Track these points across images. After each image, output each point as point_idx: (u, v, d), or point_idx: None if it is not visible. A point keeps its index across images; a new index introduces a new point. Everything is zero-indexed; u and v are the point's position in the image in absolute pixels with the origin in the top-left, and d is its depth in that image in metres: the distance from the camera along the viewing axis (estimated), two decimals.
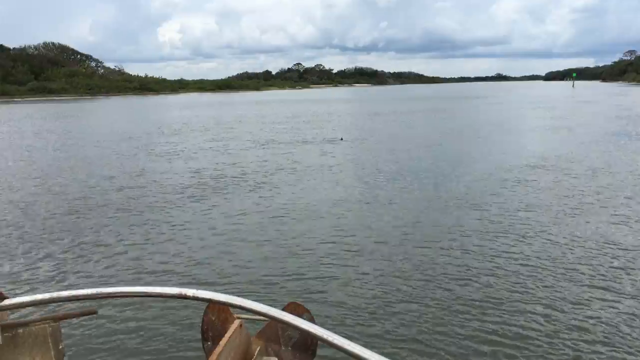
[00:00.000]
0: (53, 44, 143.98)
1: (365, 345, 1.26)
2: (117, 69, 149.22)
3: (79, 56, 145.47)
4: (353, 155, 19.63)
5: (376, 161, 17.87)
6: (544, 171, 15.25)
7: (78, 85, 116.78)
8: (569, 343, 5.39)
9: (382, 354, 1.23)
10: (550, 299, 6.41)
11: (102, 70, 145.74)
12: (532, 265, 7.60)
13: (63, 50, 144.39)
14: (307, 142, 23.81)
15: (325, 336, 1.35)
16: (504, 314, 6.09)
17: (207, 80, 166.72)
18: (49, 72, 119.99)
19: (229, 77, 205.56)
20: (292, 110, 53.10)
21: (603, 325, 5.75)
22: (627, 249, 8.19)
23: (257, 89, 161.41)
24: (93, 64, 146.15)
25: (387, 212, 10.96)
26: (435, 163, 17.20)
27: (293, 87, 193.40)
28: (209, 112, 53.22)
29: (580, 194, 12.21)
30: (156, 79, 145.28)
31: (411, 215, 10.59)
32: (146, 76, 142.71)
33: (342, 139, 24.45)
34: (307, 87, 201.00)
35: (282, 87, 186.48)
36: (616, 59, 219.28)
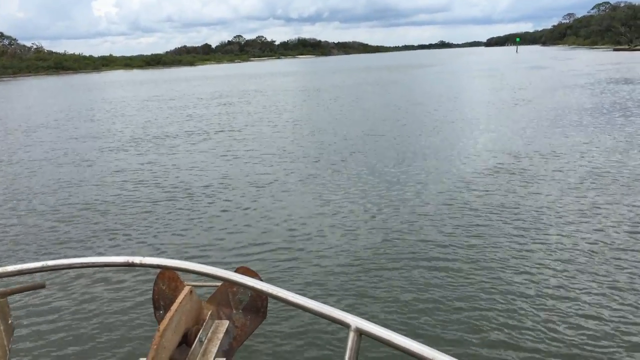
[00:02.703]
0: None
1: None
2: (34, 46, 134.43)
3: None
4: (267, 157, 13.71)
5: (297, 166, 11.90)
6: (522, 177, 10.06)
7: None
8: None
9: (334, 306, 1.29)
10: None
11: (19, 50, 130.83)
12: None
13: None
14: (209, 137, 17.70)
15: (275, 292, 1.41)
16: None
17: (135, 56, 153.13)
18: None
19: (166, 52, 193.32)
20: (217, 88, 46.10)
21: None
22: None
23: (191, 64, 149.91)
24: (6, 42, 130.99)
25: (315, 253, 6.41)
26: (382, 163, 11.55)
27: (232, 60, 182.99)
28: (114, 94, 45.46)
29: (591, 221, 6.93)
30: (75, 56, 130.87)
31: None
32: (65, 53, 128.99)
33: None
34: (247, 60, 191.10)
35: (220, 61, 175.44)
36: (554, 23, 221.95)
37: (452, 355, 1.11)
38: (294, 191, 10.33)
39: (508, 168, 11.19)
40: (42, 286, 2.08)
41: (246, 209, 9.30)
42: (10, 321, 1.87)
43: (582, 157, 11.89)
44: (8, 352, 1.84)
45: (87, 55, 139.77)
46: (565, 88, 28.85)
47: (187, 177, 11.98)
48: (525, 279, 5.91)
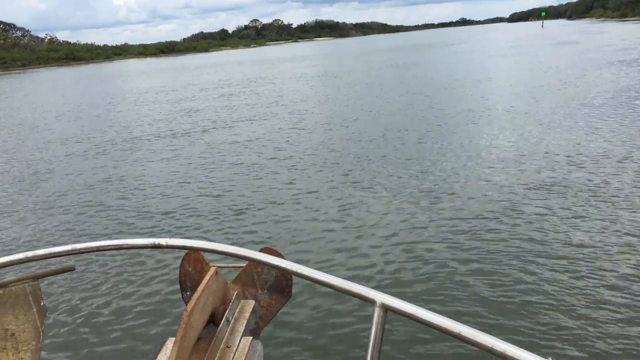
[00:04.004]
0: None
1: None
2: (47, 37, 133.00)
3: (1, 25, 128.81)
4: (282, 151, 10.93)
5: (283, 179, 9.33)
6: (591, 194, 7.05)
7: None
8: None
9: (360, 283, 1.29)
10: None
11: (33, 42, 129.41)
12: None
13: None
14: (201, 137, 14.96)
15: (300, 271, 1.42)
16: None
17: (149, 45, 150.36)
18: None
19: (183, 39, 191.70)
20: (224, 76, 43.32)
21: None
22: None
23: (206, 50, 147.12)
24: (19, 33, 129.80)
25: None
26: (397, 174, 8.62)
27: (248, 45, 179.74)
28: (116, 85, 43.21)
29: None
30: (88, 45, 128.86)
31: None
32: (77, 43, 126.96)
33: None
34: (264, 44, 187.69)
35: (235, 46, 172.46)
36: None
37: (478, 328, 1.09)
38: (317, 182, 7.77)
39: (567, 179, 8.17)
40: (72, 269, 2.10)
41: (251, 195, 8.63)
42: (42, 303, 1.91)
43: None
44: (41, 333, 1.90)
45: (102, 44, 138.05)
46: (610, 66, 25.23)
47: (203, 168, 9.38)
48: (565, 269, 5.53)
